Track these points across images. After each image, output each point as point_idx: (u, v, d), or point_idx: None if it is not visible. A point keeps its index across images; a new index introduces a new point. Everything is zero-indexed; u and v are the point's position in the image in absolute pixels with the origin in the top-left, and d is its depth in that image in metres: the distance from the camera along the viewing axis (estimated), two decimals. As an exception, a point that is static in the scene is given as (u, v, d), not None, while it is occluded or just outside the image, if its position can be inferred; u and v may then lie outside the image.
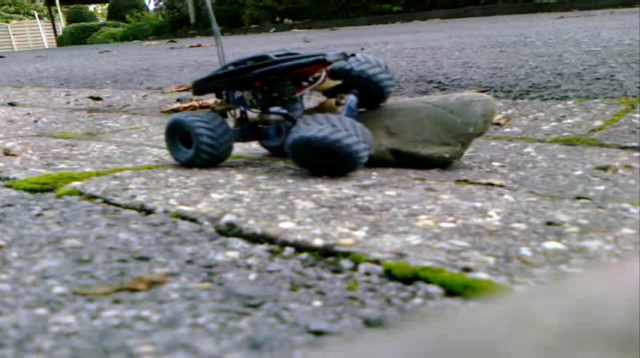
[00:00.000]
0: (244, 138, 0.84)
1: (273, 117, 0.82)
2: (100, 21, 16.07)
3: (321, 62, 0.76)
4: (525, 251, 0.48)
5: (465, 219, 0.56)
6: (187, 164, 0.81)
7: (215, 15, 0.87)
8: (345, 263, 0.47)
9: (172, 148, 0.83)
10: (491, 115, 0.79)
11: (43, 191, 0.72)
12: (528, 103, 1.16)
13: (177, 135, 0.82)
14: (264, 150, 0.94)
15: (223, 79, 0.80)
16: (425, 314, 0.39)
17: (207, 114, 0.80)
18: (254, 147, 0.98)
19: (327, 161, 0.73)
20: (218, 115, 0.81)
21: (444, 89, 1.43)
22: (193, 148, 0.80)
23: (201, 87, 0.83)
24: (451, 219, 0.56)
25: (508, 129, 1.00)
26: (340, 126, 0.71)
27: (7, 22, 20.42)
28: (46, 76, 2.78)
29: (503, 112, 1.10)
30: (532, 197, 0.63)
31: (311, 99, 0.92)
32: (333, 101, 0.81)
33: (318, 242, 0.51)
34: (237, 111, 0.84)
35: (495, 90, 1.34)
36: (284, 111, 0.79)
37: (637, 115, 0.99)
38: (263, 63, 0.77)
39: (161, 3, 12.15)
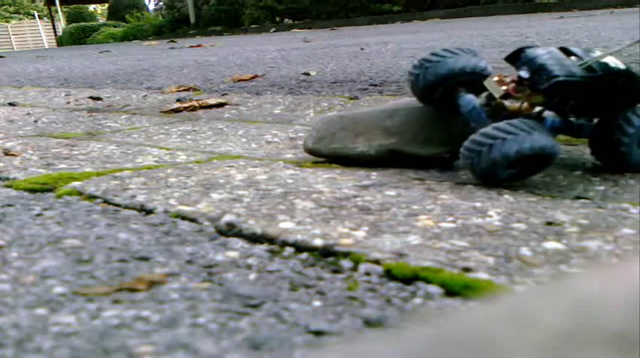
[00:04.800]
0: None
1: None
2: (100, 21, 16.07)
3: None
4: (525, 251, 0.48)
5: (465, 219, 0.56)
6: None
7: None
8: (345, 263, 0.47)
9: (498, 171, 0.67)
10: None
11: (43, 191, 0.72)
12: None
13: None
14: (263, 150, 0.94)
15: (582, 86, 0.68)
16: (425, 314, 0.39)
17: (534, 125, 0.66)
18: (253, 146, 0.98)
19: None
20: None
21: (444, 89, 1.43)
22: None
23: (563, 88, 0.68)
24: (451, 219, 0.56)
25: (508, 129, 1.00)
26: None
27: (7, 22, 20.43)
28: (46, 76, 2.78)
29: (503, 112, 1.10)
30: (532, 197, 0.63)
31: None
32: None
33: (318, 242, 0.51)
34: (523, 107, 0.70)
35: (495, 90, 1.33)
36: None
37: (637, 115, 0.98)
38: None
39: (161, 3, 12.15)
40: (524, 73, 0.69)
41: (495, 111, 0.70)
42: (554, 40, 2.41)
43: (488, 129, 0.66)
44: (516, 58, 0.72)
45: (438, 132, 0.78)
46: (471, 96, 0.74)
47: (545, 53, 0.70)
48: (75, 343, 0.36)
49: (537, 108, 0.71)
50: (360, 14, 8.09)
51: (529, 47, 0.72)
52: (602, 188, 0.66)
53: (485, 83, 0.72)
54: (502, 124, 0.66)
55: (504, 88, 0.70)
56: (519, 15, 6.04)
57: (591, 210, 0.58)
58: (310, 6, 8.61)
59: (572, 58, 0.70)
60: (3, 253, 0.51)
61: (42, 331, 0.37)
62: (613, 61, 0.70)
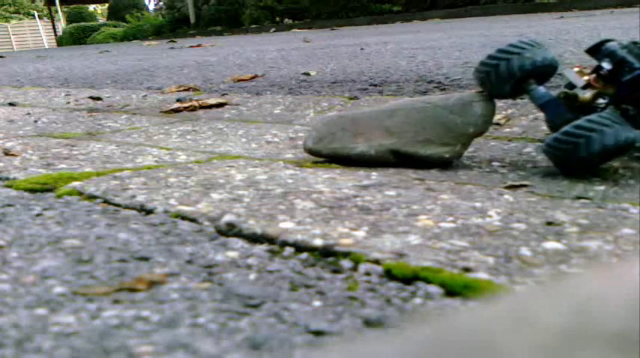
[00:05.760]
0: None
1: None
2: (100, 21, 16.07)
3: None
4: (525, 251, 0.48)
5: (465, 219, 0.56)
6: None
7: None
8: (345, 263, 0.47)
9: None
10: (491, 115, 0.79)
11: (43, 191, 0.72)
12: (528, 103, 1.16)
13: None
14: (263, 150, 0.94)
15: None
16: (425, 314, 0.39)
17: (621, 117, 0.70)
18: (253, 146, 0.98)
19: None
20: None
21: (444, 89, 1.43)
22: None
23: None
24: (451, 219, 0.56)
25: (508, 129, 1.00)
26: None
27: (7, 22, 20.42)
28: (46, 76, 2.78)
29: (503, 112, 1.10)
30: (532, 197, 0.63)
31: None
32: None
33: (318, 242, 0.51)
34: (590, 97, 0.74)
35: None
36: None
37: (637, 115, 0.98)
38: None
39: (161, 3, 12.15)
40: (606, 65, 0.73)
41: (571, 102, 0.73)
42: (554, 40, 2.40)
43: (581, 122, 0.68)
44: (597, 50, 0.75)
45: (438, 132, 0.78)
46: (544, 89, 0.76)
47: (624, 47, 0.73)
48: (75, 343, 0.36)
49: (601, 99, 0.73)
50: (360, 14, 8.08)
51: (609, 40, 0.75)
52: (602, 188, 0.66)
53: (566, 73, 0.76)
54: (595, 117, 0.68)
55: (586, 78, 0.73)
56: (519, 15, 6.04)
57: (591, 210, 0.58)
58: (310, 6, 8.60)
59: None
60: (3, 253, 0.51)
61: (42, 331, 0.37)
62: None
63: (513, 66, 0.75)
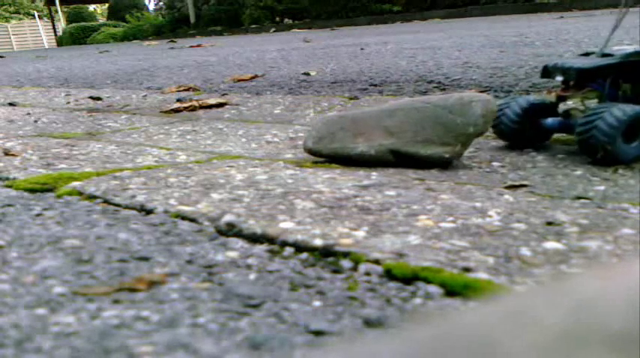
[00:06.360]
0: None
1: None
2: (100, 21, 16.06)
3: None
4: (525, 251, 0.48)
5: (465, 219, 0.56)
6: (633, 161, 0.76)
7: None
8: (345, 263, 0.47)
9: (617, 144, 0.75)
10: (491, 115, 0.79)
11: (43, 191, 0.72)
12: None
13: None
14: (263, 150, 0.94)
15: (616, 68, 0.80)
16: (425, 314, 0.39)
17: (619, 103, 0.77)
18: (253, 146, 0.98)
19: None
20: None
21: (444, 89, 1.43)
22: None
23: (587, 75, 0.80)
24: (451, 219, 0.56)
25: (508, 129, 1.00)
26: None
27: (7, 22, 20.42)
28: (46, 76, 2.78)
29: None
30: (532, 197, 0.63)
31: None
32: None
33: (318, 242, 0.51)
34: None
35: (495, 91, 1.34)
36: None
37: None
38: None
39: (161, 3, 12.15)
40: (559, 78, 0.83)
41: (571, 114, 0.82)
42: (554, 40, 2.41)
43: (589, 112, 0.76)
44: (547, 71, 0.86)
45: (438, 132, 0.78)
46: (551, 118, 0.85)
47: (564, 58, 0.85)
48: (75, 343, 0.36)
49: (604, 105, 0.79)
50: (360, 14, 8.08)
51: (551, 61, 0.86)
52: (602, 188, 0.66)
53: (543, 96, 0.89)
54: (599, 106, 0.77)
55: (553, 94, 0.85)
56: (519, 15, 6.04)
57: (591, 210, 0.58)
58: (310, 6, 8.60)
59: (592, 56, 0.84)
60: (3, 253, 0.51)
61: (42, 331, 0.37)
62: (633, 47, 0.82)
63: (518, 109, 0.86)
